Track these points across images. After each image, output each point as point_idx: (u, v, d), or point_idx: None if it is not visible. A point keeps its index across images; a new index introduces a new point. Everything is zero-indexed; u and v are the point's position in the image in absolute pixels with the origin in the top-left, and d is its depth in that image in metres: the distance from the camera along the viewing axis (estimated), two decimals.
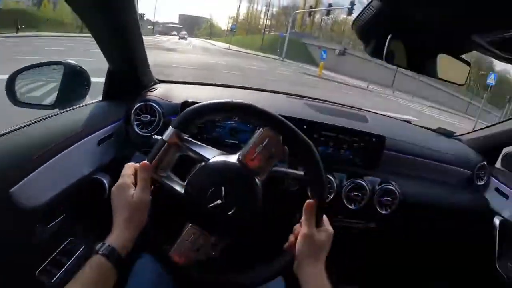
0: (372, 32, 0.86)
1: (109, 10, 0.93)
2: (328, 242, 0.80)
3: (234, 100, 0.79)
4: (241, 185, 0.79)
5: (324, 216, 0.82)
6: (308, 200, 0.79)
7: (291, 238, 0.82)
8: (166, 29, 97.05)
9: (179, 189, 0.79)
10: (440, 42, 0.86)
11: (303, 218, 0.79)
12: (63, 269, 0.92)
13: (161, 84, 1.42)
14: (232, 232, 0.82)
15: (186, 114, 0.79)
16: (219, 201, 0.76)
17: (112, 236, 0.70)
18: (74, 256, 0.97)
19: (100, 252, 0.67)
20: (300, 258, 0.77)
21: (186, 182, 0.80)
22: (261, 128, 0.79)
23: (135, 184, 0.75)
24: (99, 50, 1.11)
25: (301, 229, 0.78)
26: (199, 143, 0.81)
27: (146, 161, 0.77)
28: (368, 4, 0.79)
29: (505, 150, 1.74)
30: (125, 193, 0.73)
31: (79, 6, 0.91)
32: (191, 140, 0.80)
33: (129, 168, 0.78)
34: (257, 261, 0.82)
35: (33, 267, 0.85)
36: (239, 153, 0.81)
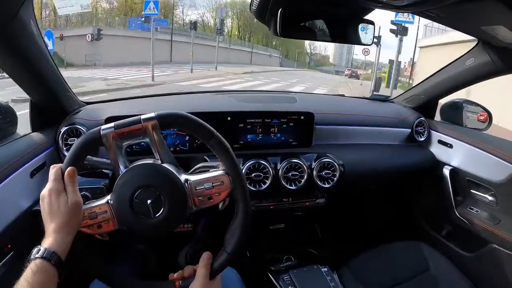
0: (268, 12, 0.88)
1: (7, 45, 0.91)
2: None
3: (221, 137, 0.83)
4: (174, 201, 0.81)
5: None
6: (206, 252, 0.83)
7: (179, 274, 0.84)
8: None
9: (121, 167, 0.82)
10: (334, 8, 0.90)
11: (199, 265, 0.82)
12: None
13: (86, 106, 1.41)
14: (137, 233, 0.85)
15: (174, 114, 0.82)
16: (145, 202, 0.79)
17: (49, 241, 0.70)
18: None
19: (39, 256, 0.66)
20: None
21: (131, 165, 0.82)
22: (222, 172, 0.83)
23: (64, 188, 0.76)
24: None
25: (195, 277, 0.80)
26: (165, 143, 0.84)
27: (72, 167, 0.77)
28: None
29: (441, 103, 1.81)
30: (58, 198, 0.74)
31: None
32: (161, 137, 0.83)
33: (55, 172, 0.77)
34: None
35: None
36: (190, 177, 0.84)
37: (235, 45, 45.55)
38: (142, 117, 0.80)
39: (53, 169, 0.77)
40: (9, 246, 0.93)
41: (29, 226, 1.01)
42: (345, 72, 61.22)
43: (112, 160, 0.82)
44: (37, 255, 0.66)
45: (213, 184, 0.82)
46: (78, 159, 0.79)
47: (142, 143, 0.84)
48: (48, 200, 0.74)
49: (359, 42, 1.02)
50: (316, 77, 33.35)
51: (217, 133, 0.83)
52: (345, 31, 0.98)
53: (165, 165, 0.83)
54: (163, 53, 27.51)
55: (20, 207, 1.00)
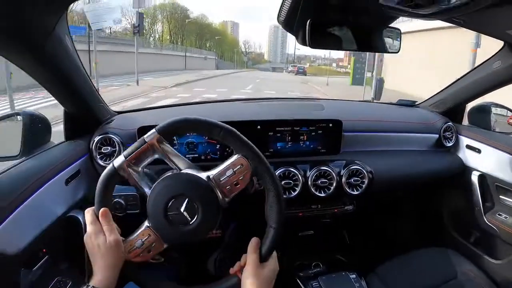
0: (296, 23, 0.90)
1: (45, 61, 0.95)
2: (272, 277, 0.84)
3: (224, 124, 0.85)
4: (205, 201, 0.84)
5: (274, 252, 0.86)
6: (253, 238, 0.86)
7: (237, 265, 0.87)
8: None
9: (146, 189, 0.85)
10: (360, 18, 0.90)
11: (247, 253, 0.84)
12: None
13: (118, 115, 1.46)
14: (184, 243, 0.88)
15: (172, 122, 0.84)
16: (179, 211, 0.82)
17: (96, 279, 0.76)
18: None
19: None
20: (243, 286, 0.82)
21: (153, 184, 0.85)
22: (237, 155, 0.85)
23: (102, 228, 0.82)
24: None
25: (246, 263, 0.83)
26: (176, 152, 0.87)
27: (104, 208, 0.83)
28: None
29: (469, 107, 1.78)
30: (97, 240, 0.80)
31: (18, 60, 0.93)
32: (169, 147, 0.86)
33: (90, 215, 0.83)
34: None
35: None
36: (211, 172, 0.86)
37: (167, 50, 42.39)
38: (145, 137, 0.84)
39: (88, 213, 0.83)
40: (44, 250, 0.97)
41: (63, 231, 1.06)
42: (289, 69, 60.36)
43: (134, 186, 0.86)
44: None
45: (234, 170, 0.84)
46: (105, 198, 0.85)
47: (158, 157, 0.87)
48: (89, 243, 0.80)
49: (385, 50, 1.02)
50: (263, 79, 30.46)
51: (221, 123, 0.85)
52: (371, 40, 0.99)
53: (183, 171, 0.86)
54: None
55: (55, 213, 1.03)
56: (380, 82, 11.87)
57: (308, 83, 25.78)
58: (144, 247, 0.84)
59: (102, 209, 0.82)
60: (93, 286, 0.74)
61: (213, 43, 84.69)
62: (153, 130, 0.84)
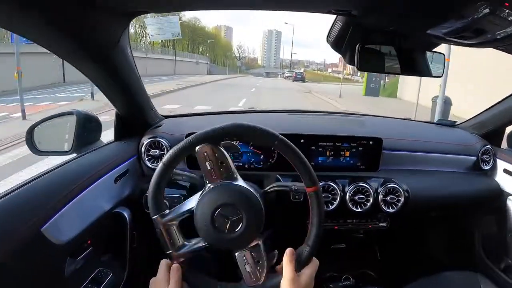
0: (344, 44, 0.93)
1: (108, 68, 1.04)
2: (309, 283, 0.85)
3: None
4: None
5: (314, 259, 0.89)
6: (288, 249, 0.87)
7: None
8: None
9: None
10: (407, 43, 0.93)
11: (283, 262, 0.86)
12: None
13: (166, 119, 1.53)
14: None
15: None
16: (226, 220, 0.86)
17: None
18: (104, 283, 1.06)
19: None
20: None
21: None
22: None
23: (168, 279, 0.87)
24: None
25: (284, 275, 0.85)
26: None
27: (177, 265, 0.87)
28: (335, 19, 0.88)
29: (508, 130, 1.74)
30: (161, 287, 0.85)
31: (83, 67, 1.01)
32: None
33: (164, 265, 0.88)
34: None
35: None
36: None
37: (156, 54, 38.05)
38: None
39: (164, 263, 0.89)
40: (89, 242, 1.03)
41: (108, 226, 1.13)
42: (286, 75, 59.03)
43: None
44: None
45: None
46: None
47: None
48: (153, 286, 0.86)
49: (429, 74, 1.04)
50: (259, 87, 26.24)
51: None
52: (415, 64, 1.00)
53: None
54: (50, 72, 19.05)
55: (103, 208, 1.10)
56: (447, 104, 8.38)
57: (313, 93, 22.60)
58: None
59: (174, 265, 0.87)
60: None
61: (206, 48, 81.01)
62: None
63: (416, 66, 1.00)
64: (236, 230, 0.86)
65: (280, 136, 0.86)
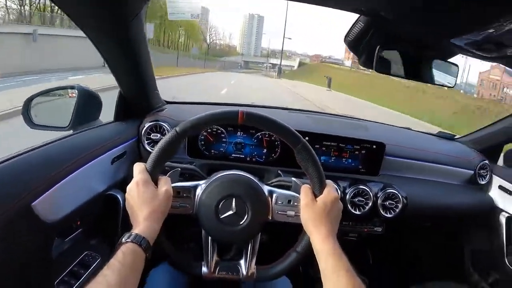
0: (362, 45, 0.92)
1: (122, 40, 1.00)
2: (329, 208, 0.84)
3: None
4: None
5: (330, 183, 0.87)
6: (304, 186, 0.87)
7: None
8: None
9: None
10: (426, 50, 0.92)
11: (301, 199, 0.86)
12: (80, 280, 0.97)
13: (168, 105, 1.50)
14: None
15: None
16: (230, 212, 0.85)
17: (140, 228, 0.74)
18: (91, 268, 1.02)
19: (129, 240, 0.71)
20: (305, 226, 0.85)
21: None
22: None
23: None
24: None
25: (300, 200, 0.85)
26: None
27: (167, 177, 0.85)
28: (357, 20, 0.86)
29: (506, 148, 1.77)
30: (146, 187, 0.79)
31: (96, 37, 0.98)
32: None
33: (141, 166, 0.83)
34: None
35: (52, 279, 0.90)
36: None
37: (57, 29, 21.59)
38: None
39: (139, 164, 0.83)
40: (78, 223, 1.00)
41: (100, 208, 1.10)
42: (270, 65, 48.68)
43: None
44: (128, 239, 0.71)
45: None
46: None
47: None
48: (137, 191, 0.79)
49: (442, 84, 1.03)
50: None
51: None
52: (431, 72, 1.00)
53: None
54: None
55: (96, 189, 1.07)
56: None
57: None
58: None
59: (164, 177, 0.84)
60: (137, 234, 0.72)
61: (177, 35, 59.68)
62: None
63: (431, 74, 1.00)
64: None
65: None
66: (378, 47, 0.85)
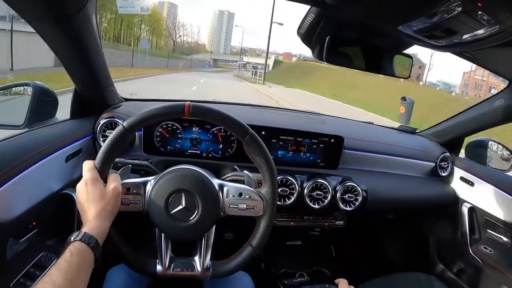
0: (315, 37, 0.92)
1: (70, 34, 0.97)
2: None
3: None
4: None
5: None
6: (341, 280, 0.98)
7: None
8: None
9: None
10: (378, 40, 0.93)
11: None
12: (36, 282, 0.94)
13: (126, 102, 1.48)
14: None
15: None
16: (180, 207, 0.85)
17: (88, 226, 0.74)
18: (47, 269, 0.98)
19: (77, 239, 0.70)
20: None
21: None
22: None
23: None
24: None
25: None
26: None
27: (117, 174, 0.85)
28: (308, 11, 0.87)
29: (467, 140, 1.82)
30: (95, 186, 0.78)
31: (44, 32, 0.95)
32: None
33: (89, 163, 0.82)
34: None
35: (7, 281, 0.87)
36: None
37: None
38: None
39: (88, 162, 0.83)
40: (33, 223, 0.97)
41: (56, 207, 1.06)
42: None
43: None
44: (76, 238, 0.70)
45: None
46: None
47: None
48: (85, 189, 0.78)
49: (393, 74, 1.05)
50: None
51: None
52: (383, 63, 1.01)
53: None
54: None
55: (51, 188, 1.04)
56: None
57: None
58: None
59: (114, 174, 0.83)
60: (85, 232, 0.71)
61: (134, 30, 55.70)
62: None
63: (384, 65, 1.01)
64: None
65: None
66: (328, 37, 0.86)
